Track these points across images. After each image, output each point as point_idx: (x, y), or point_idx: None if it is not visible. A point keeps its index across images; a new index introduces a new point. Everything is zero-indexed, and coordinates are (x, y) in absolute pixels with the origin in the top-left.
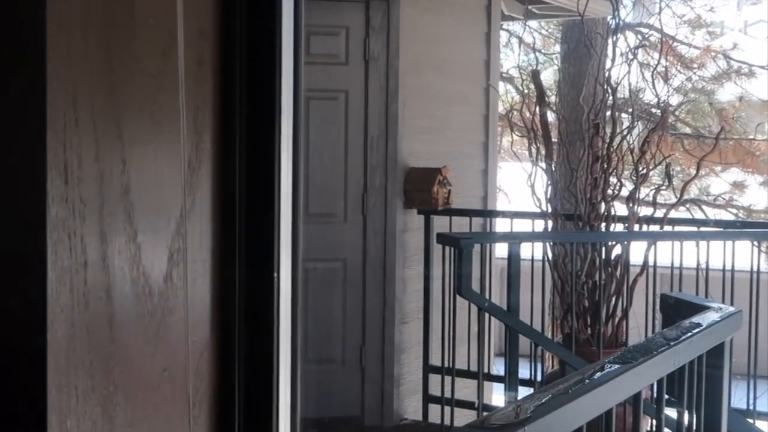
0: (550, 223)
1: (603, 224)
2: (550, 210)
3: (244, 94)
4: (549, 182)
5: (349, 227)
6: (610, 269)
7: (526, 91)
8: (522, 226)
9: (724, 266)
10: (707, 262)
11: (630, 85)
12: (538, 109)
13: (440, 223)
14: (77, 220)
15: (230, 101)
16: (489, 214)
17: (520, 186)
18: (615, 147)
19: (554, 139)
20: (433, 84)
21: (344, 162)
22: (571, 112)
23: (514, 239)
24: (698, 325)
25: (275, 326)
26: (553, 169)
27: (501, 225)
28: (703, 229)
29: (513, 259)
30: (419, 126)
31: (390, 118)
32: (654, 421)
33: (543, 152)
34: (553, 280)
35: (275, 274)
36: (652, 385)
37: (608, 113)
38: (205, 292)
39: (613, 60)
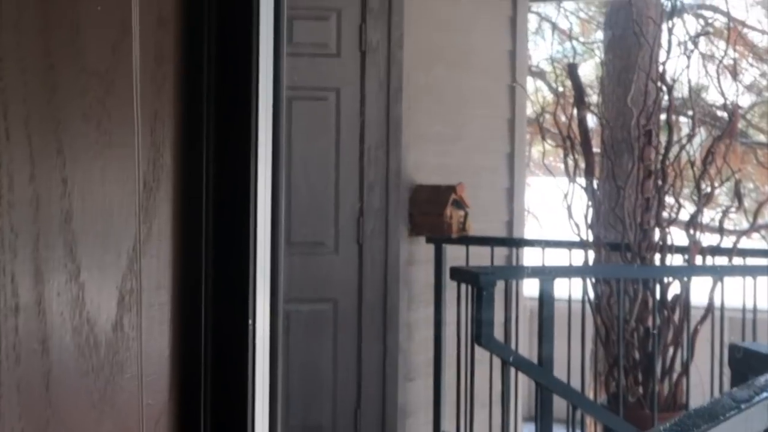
0: (591, 255)
1: (657, 256)
2: (591, 238)
3: (212, 97)
4: (590, 203)
5: (341, 260)
6: (666, 313)
7: (561, 89)
8: (556, 258)
9: None
10: None
11: (690, 82)
12: (575, 111)
13: (454, 255)
14: (7, 254)
15: (196, 106)
16: (515, 243)
17: (554, 208)
18: (672, 159)
19: (596, 150)
20: (446, 81)
21: (335, 178)
22: (617, 115)
23: (546, 275)
24: None
25: (250, 386)
26: (595, 186)
27: (530, 257)
28: None
29: (546, 300)
30: (428, 133)
31: (392, 124)
32: None
33: (582, 165)
34: (596, 326)
35: (250, 321)
36: None
37: (663, 117)
38: (163, 343)
39: (668, 51)
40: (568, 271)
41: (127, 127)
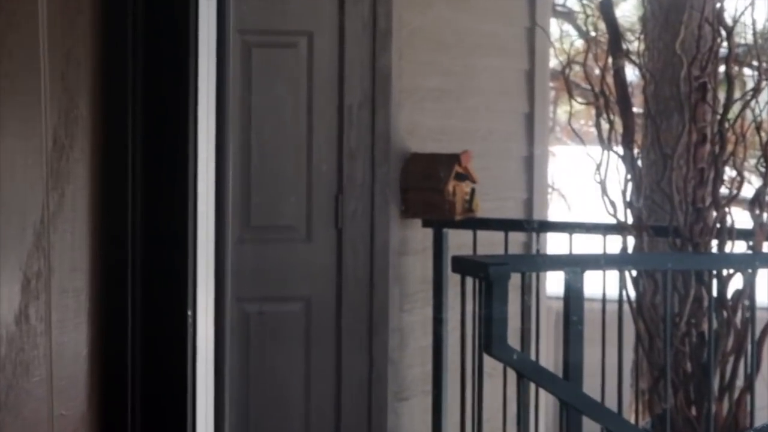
0: (631, 241)
1: (714, 242)
2: (630, 220)
3: (140, 35)
4: (629, 176)
5: (315, 248)
6: (725, 313)
7: (592, 33)
8: (587, 245)
9: None
10: None
11: (755, 24)
12: (611, 62)
13: (458, 241)
14: None
15: (119, 44)
16: (535, 226)
17: (584, 183)
18: (732, 121)
19: (637, 110)
20: (448, 22)
21: (307, 145)
22: (663, 66)
23: (574, 266)
24: None
25: (190, 395)
26: (636, 155)
27: (554, 244)
28: None
29: (573, 298)
30: (425, 88)
31: (379, 77)
32: None
33: (620, 129)
34: (637, 329)
35: (189, 312)
36: None
37: (722, 68)
38: (79, 339)
39: None
40: (602, 262)
41: (31, 69)
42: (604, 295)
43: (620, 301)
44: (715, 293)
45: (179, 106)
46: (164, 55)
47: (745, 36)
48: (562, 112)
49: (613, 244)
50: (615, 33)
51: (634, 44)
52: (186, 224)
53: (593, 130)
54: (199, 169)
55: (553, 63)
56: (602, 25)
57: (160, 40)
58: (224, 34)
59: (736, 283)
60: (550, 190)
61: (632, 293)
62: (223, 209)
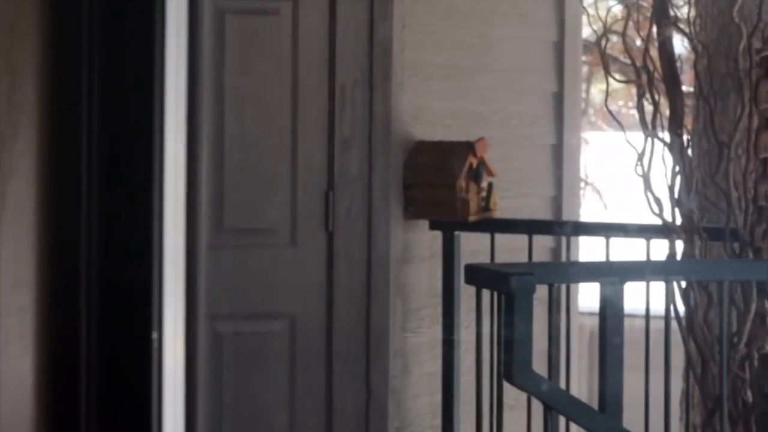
0: (680, 246)
1: None
2: (679, 221)
3: (96, 4)
4: (678, 169)
5: (301, 256)
6: None
7: None
8: (628, 251)
9: None
10: None
11: None
12: (655, 31)
13: (473, 247)
14: None
15: (72, 16)
16: (565, 229)
17: (623, 176)
18: None
19: (686, 88)
20: None
21: (291, 133)
22: (718, 37)
23: (612, 275)
24: None
25: (155, 428)
26: (686, 143)
27: (588, 249)
28: None
29: (611, 315)
30: (433, 64)
31: (377, 50)
32: None
33: (666, 112)
34: (687, 352)
35: (154, 335)
36: None
37: None
38: (24, 365)
39: None
40: (646, 271)
41: None
42: (647, 310)
43: (667, 318)
44: None
45: (143, 89)
46: (126, 28)
47: None
48: (596, 91)
49: (659, 250)
50: None
51: (683, 10)
52: (150, 230)
53: (634, 112)
54: (167, 165)
55: (587, 33)
56: None
57: (122, 9)
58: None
59: None
60: (582, 184)
61: (682, 309)
62: (195, 212)
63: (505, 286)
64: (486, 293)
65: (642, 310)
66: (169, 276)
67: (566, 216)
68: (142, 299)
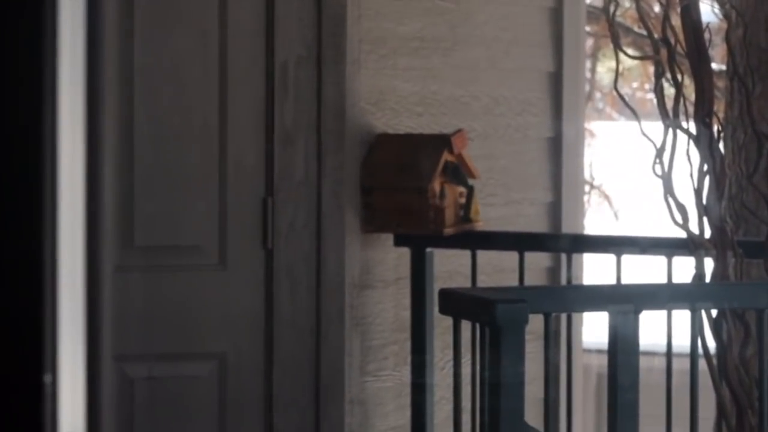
0: (709, 264)
1: None
2: (708, 232)
3: None
4: (707, 167)
5: (234, 280)
6: None
7: None
8: (644, 271)
9: None
10: None
11: None
12: None
13: (449, 266)
14: None
15: None
16: (565, 244)
17: (638, 176)
18: None
19: (718, 66)
20: None
21: (219, 126)
22: (756, 3)
23: (625, 302)
24: None
25: None
26: (717, 135)
27: (594, 269)
28: None
29: (623, 351)
30: (398, 36)
31: (326, 20)
32: None
33: (691, 97)
34: (719, 398)
35: (46, 378)
36: None
37: None
38: None
39: None
40: (666, 296)
41: None
42: (669, 346)
43: (694, 356)
44: None
45: (29, 70)
46: None
47: None
48: (604, 70)
49: (684, 270)
50: None
51: None
52: (41, 248)
53: (651, 96)
54: (61, 164)
55: None
56: None
57: None
58: None
59: None
60: (587, 188)
61: (712, 344)
62: (98, 225)
63: (491, 317)
64: (466, 325)
65: (662, 346)
66: (65, 306)
67: (567, 228)
68: (31, 334)
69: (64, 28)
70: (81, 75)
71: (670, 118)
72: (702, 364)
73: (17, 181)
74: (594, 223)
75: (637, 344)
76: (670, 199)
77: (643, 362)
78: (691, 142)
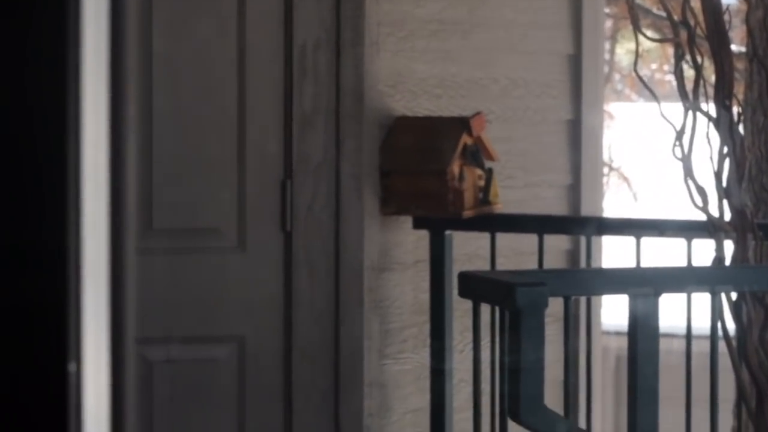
0: (729, 247)
1: None
2: (728, 215)
3: None
4: (727, 150)
5: (253, 263)
6: None
7: None
8: (663, 253)
9: None
10: None
11: None
12: None
13: (469, 249)
14: None
15: None
16: (585, 227)
17: (657, 158)
18: None
19: (736, 48)
20: None
21: (237, 109)
22: None
23: (644, 285)
24: None
25: None
26: (738, 118)
27: (613, 251)
28: None
29: (643, 334)
30: (416, 18)
31: (346, 2)
32: None
33: (711, 79)
34: (739, 382)
35: (71, 367)
36: None
37: None
38: None
39: None
40: (687, 280)
41: None
42: (689, 329)
43: (714, 338)
44: None
45: (54, 53)
46: None
47: None
48: (623, 52)
49: (703, 252)
50: None
51: None
52: (64, 233)
53: (671, 78)
54: (85, 152)
55: None
56: None
57: None
58: None
59: None
60: (606, 170)
61: (732, 327)
62: (121, 207)
63: (510, 301)
64: (485, 309)
65: (682, 329)
66: (89, 292)
67: (586, 210)
68: (54, 320)
69: (87, 18)
70: (104, 65)
71: (689, 101)
72: (722, 346)
73: (42, 168)
74: (613, 205)
75: (657, 328)
76: (690, 182)
77: (663, 344)
78: (711, 125)
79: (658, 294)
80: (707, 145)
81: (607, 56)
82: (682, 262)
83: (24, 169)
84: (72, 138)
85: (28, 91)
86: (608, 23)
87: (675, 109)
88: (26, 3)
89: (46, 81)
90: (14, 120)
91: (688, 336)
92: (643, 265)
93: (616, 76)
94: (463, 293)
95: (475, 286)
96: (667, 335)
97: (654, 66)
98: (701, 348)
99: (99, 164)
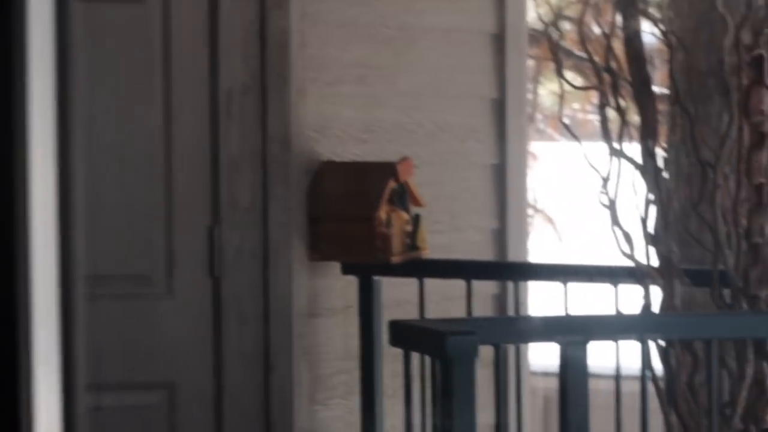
0: (656, 293)
1: None
2: (656, 261)
3: None
4: (653, 194)
5: (181, 309)
6: None
7: None
8: (591, 299)
9: None
10: None
11: None
12: (621, 19)
13: (397, 295)
14: None
15: None
16: (512, 272)
17: (583, 201)
18: None
19: (659, 90)
20: None
21: (164, 154)
22: (697, 27)
23: (574, 333)
24: None
25: None
26: (661, 161)
27: (540, 297)
28: None
29: (572, 381)
30: (342, 63)
31: (271, 46)
32: None
33: (636, 120)
34: (668, 425)
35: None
36: None
37: None
38: None
39: None
40: (615, 328)
41: None
42: (617, 374)
43: (643, 383)
44: None
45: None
46: None
47: None
48: (546, 92)
49: (630, 298)
50: None
51: None
52: (14, 282)
53: (593, 117)
54: (33, 187)
55: (533, 19)
56: None
57: None
58: None
59: None
60: (530, 211)
61: (660, 372)
62: (72, 257)
63: (441, 350)
64: (415, 357)
65: (611, 369)
66: (40, 339)
67: (513, 253)
68: (8, 375)
69: (34, 51)
70: (50, 97)
71: (614, 148)
72: (651, 389)
73: None
74: (538, 247)
75: (586, 375)
76: (617, 229)
77: (592, 384)
78: (637, 169)
79: (587, 341)
80: (634, 190)
81: (529, 96)
82: (609, 307)
83: None
84: (20, 188)
85: None
86: (530, 63)
87: (598, 148)
88: None
89: None
90: None
91: (617, 379)
92: (570, 310)
93: (539, 116)
94: (393, 342)
95: (405, 335)
96: (596, 375)
97: (576, 106)
98: (629, 388)
99: (48, 207)
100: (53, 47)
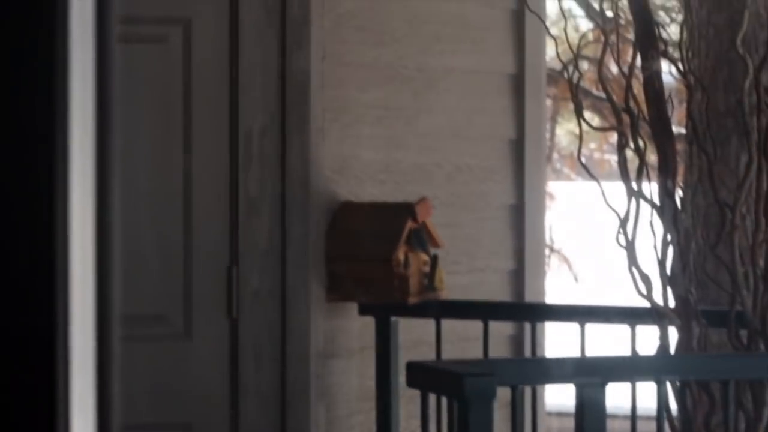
0: (673, 335)
1: None
2: (672, 303)
3: None
4: (670, 236)
5: (198, 349)
6: None
7: (611, 15)
8: (608, 340)
9: None
10: None
11: None
12: (640, 60)
13: (415, 335)
14: None
15: None
16: (529, 313)
17: (600, 242)
18: None
19: (678, 130)
20: (389, 5)
21: (183, 195)
22: (715, 67)
23: (590, 375)
24: None
25: None
26: (679, 202)
27: (557, 338)
28: None
29: (590, 422)
30: (361, 104)
31: (291, 87)
32: None
33: (653, 160)
34: None
35: None
36: None
37: None
38: None
39: None
40: (633, 369)
41: None
42: (633, 414)
43: (659, 423)
44: None
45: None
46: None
47: None
48: (563, 132)
49: (647, 340)
50: (645, 19)
51: (673, 34)
52: (54, 321)
53: (610, 157)
54: (73, 226)
55: (552, 60)
56: (625, 5)
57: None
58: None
59: None
60: (548, 253)
61: (676, 412)
62: (109, 296)
63: (459, 391)
64: (432, 398)
65: (626, 409)
66: (76, 386)
67: (530, 294)
68: (42, 416)
69: (74, 74)
70: (91, 125)
71: (633, 189)
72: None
73: (30, 256)
74: (554, 287)
75: (604, 417)
76: (634, 270)
77: (608, 424)
78: (654, 210)
79: (604, 383)
80: (651, 231)
81: (548, 139)
82: (626, 347)
83: (11, 259)
84: (60, 224)
85: (11, 191)
86: (549, 103)
87: (615, 188)
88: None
89: (31, 185)
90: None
91: (633, 419)
92: (587, 350)
93: (555, 155)
94: (411, 383)
95: (423, 376)
96: (612, 416)
97: (593, 145)
98: (646, 428)
99: (87, 249)
100: (94, 98)
